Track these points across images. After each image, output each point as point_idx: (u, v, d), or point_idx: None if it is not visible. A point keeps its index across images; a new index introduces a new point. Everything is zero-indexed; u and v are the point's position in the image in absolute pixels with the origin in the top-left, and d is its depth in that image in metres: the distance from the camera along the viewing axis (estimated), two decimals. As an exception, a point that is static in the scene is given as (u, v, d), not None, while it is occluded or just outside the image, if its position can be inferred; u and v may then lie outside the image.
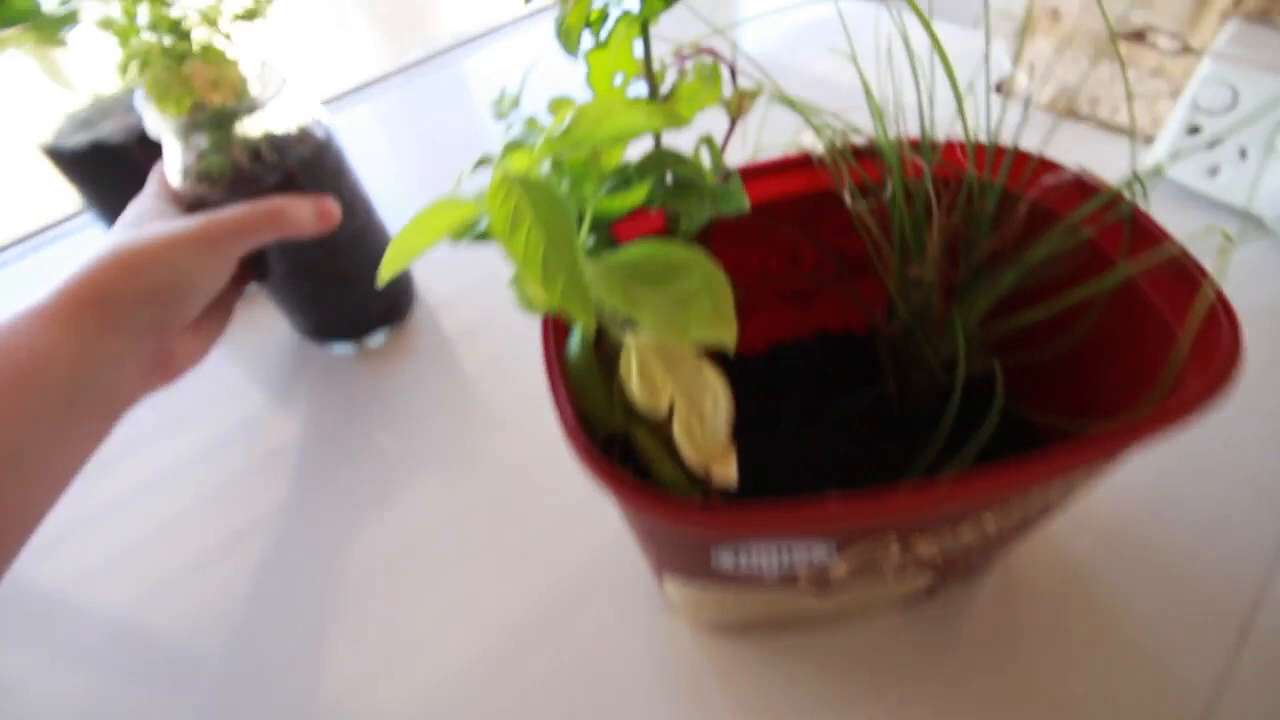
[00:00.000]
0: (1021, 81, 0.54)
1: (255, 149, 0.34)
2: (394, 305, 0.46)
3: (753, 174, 0.27)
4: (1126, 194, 0.23)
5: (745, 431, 0.30)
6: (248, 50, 0.33)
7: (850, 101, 0.27)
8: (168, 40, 0.31)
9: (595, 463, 0.17)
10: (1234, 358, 0.18)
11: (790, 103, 0.24)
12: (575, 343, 0.20)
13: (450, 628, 0.32)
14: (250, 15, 0.32)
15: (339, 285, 0.42)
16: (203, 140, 0.33)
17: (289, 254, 0.39)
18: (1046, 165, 0.24)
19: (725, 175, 0.24)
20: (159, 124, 0.32)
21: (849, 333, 0.33)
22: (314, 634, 0.32)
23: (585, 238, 0.20)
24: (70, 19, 0.39)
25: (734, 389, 0.31)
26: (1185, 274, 0.21)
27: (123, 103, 0.42)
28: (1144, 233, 0.22)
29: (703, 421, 0.18)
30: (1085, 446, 0.17)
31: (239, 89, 0.32)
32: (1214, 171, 0.43)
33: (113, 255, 0.28)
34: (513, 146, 0.17)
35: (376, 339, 0.46)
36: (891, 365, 0.29)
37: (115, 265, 0.28)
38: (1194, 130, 0.43)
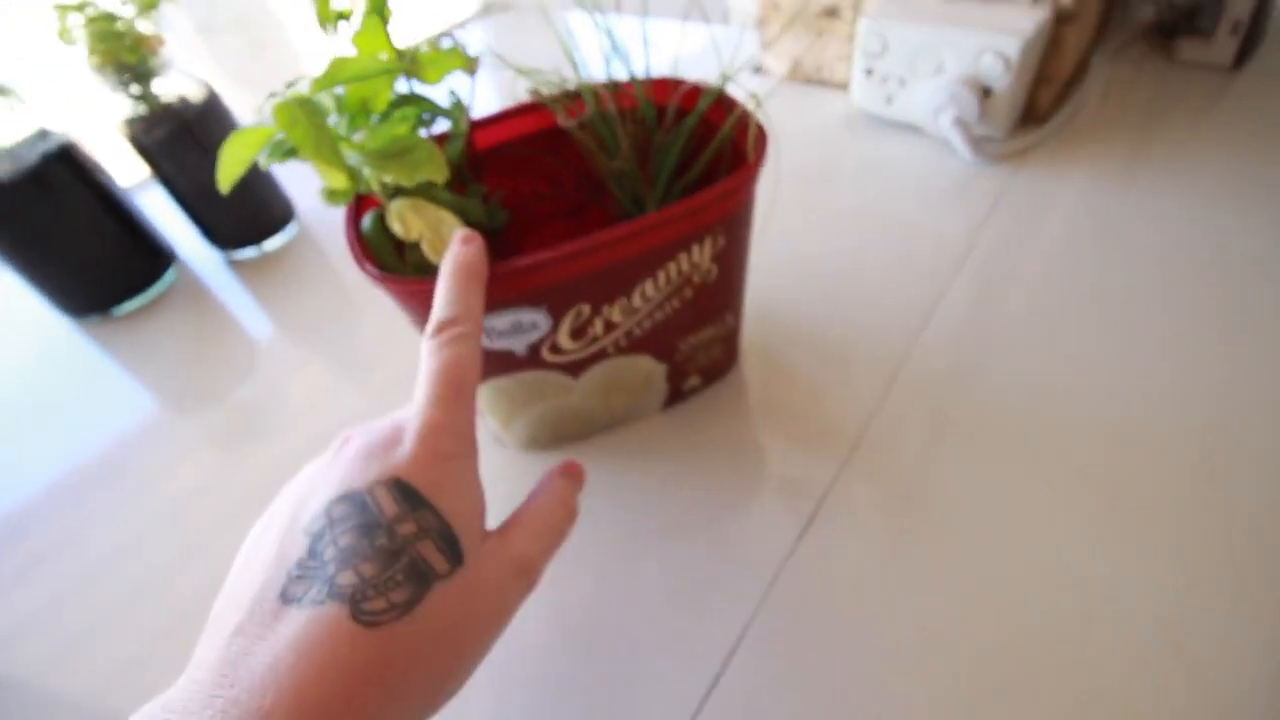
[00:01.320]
0: (767, 61, 0.69)
1: (167, 102, 0.52)
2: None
3: (507, 115, 0.39)
4: (719, 87, 0.35)
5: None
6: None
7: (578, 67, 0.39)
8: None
9: (371, 270, 0.28)
10: (764, 149, 0.31)
11: (507, 64, 0.36)
12: (368, 219, 0.31)
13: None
14: (152, 3, 0.51)
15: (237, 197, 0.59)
16: (133, 92, 0.51)
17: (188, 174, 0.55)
18: (678, 83, 0.37)
19: (466, 110, 0.35)
20: (103, 83, 0.50)
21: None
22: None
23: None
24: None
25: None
26: (746, 121, 0.33)
27: (7, 152, 0.51)
28: (731, 105, 0.35)
29: (442, 241, 0.29)
30: (686, 203, 0.28)
31: (154, 51, 0.51)
32: (890, 100, 0.58)
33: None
34: (290, 86, 0.28)
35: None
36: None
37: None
38: (869, 72, 0.58)
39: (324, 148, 0.26)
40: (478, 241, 0.27)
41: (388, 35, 0.33)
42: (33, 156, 0.50)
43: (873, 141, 0.60)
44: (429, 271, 0.31)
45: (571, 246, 0.27)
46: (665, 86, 0.37)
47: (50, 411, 0.51)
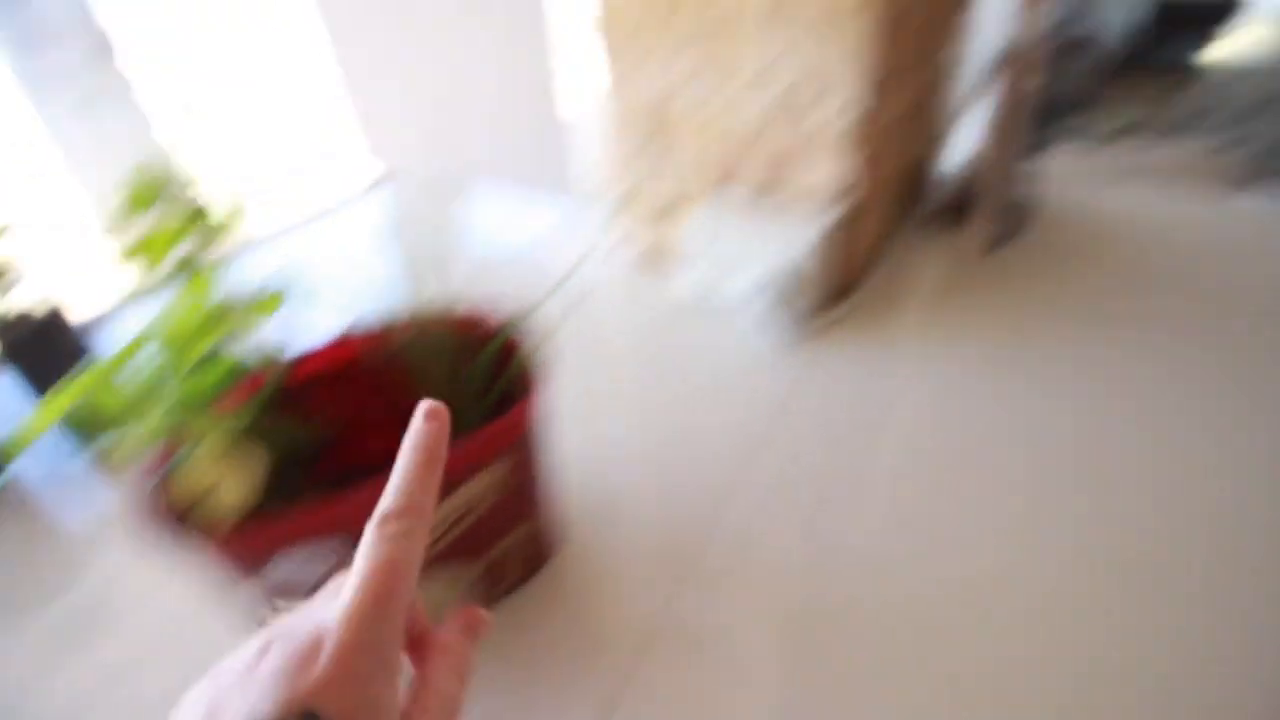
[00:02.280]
0: (612, 243, 0.78)
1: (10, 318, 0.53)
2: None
3: (330, 346, 0.43)
4: (513, 322, 0.40)
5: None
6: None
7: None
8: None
9: (147, 527, 0.30)
10: (538, 391, 0.35)
11: (325, 296, 0.41)
12: (175, 461, 0.34)
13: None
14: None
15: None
16: None
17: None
18: (482, 318, 0.42)
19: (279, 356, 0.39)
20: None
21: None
22: None
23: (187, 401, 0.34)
24: None
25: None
26: (531, 358, 0.38)
27: None
28: (524, 338, 0.40)
29: (236, 484, 0.32)
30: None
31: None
32: (712, 287, 0.67)
33: None
34: (89, 364, 0.31)
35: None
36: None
37: None
38: (695, 262, 0.66)
39: (97, 425, 0.29)
40: (441, 419, 0.24)
41: (208, 297, 0.37)
42: None
43: (694, 324, 0.67)
44: (220, 522, 0.34)
45: (335, 502, 0.30)
46: (472, 320, 0.42)
47: None
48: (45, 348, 0.57)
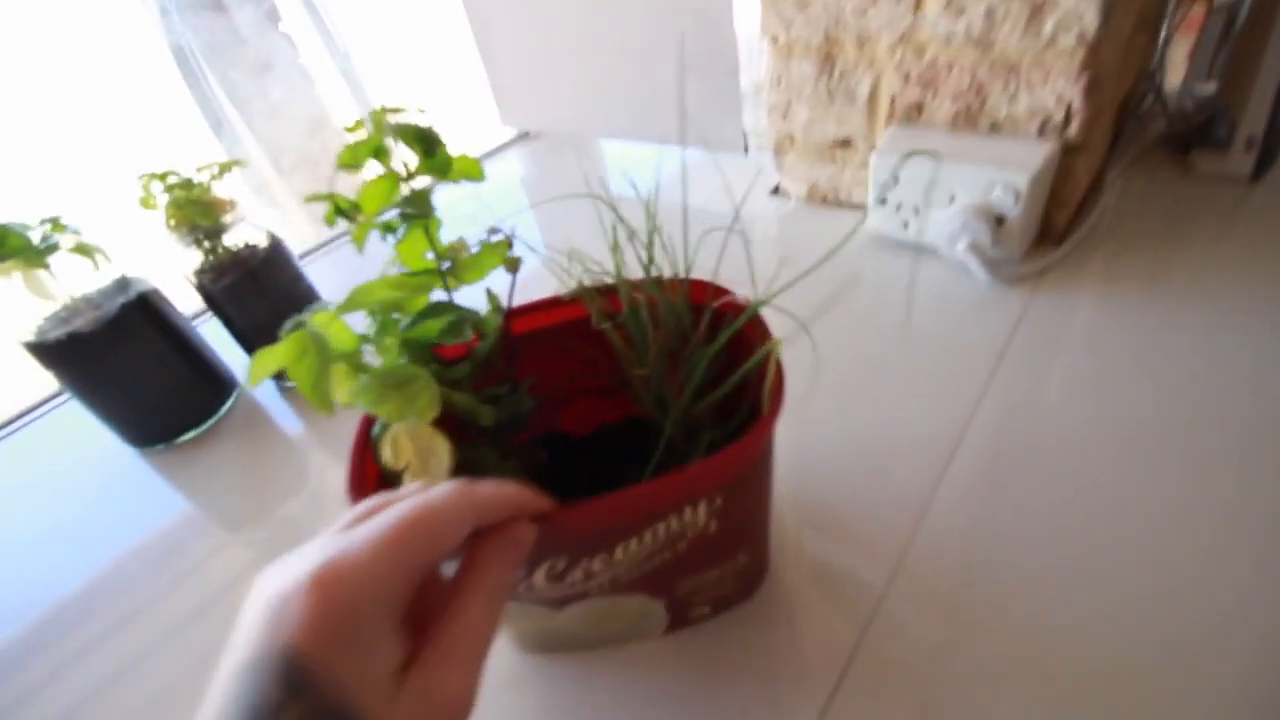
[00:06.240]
0: (786, 184, 0.72)
1: (235, 250, 0.57)
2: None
3: (546, 305, 0.39)
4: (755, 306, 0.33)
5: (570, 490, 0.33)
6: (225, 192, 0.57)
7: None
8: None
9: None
10: (779, 402, 0.29)
11: (553, 259, 0.37)
12: (376, 428, 0.32)
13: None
14: (228, 167, 0.56)
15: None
16: (204, 247, 0.56)
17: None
18: (718, 290, 0.35)
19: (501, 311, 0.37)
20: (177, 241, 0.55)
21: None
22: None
23: (397, 358, 0.33)
24: (53, 249, 0.52)
25: (565, 459, 0.40)
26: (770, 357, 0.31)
27: (91, 301, 0.54)
28: (763, 329, 0.33)
29: (428, 471, 0.29)
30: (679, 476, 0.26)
31: (225, 211, 0.55)
32: (906, 225, 0.59)
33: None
34: (317, 310, 0.30)
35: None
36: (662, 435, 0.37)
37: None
38: (883, 200, 0.59)
39: (318, 391, 0.26)
40: (528, 538, 0.24)
41: (432, 239, 0.35)
42: (113, 307, 0.54)
43: (890, 264, 0.61)
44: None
45: (553, 516, 0.26)
46: (703, 289, 0.36)
47: (112, 535, 0.54)
48: (266, 284, 0.59)
